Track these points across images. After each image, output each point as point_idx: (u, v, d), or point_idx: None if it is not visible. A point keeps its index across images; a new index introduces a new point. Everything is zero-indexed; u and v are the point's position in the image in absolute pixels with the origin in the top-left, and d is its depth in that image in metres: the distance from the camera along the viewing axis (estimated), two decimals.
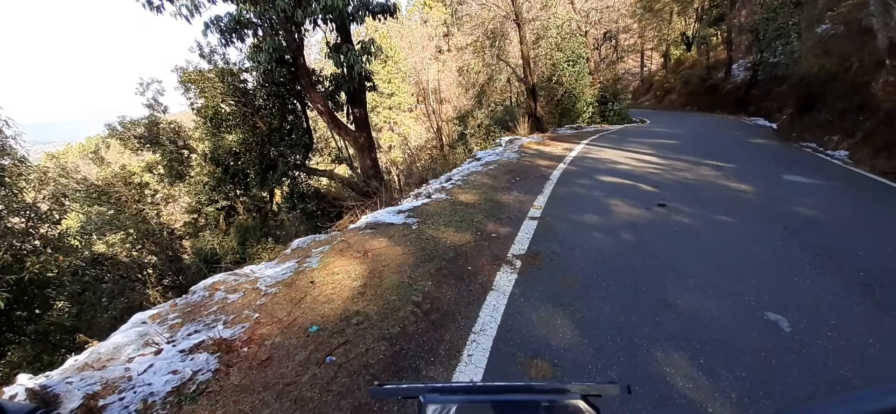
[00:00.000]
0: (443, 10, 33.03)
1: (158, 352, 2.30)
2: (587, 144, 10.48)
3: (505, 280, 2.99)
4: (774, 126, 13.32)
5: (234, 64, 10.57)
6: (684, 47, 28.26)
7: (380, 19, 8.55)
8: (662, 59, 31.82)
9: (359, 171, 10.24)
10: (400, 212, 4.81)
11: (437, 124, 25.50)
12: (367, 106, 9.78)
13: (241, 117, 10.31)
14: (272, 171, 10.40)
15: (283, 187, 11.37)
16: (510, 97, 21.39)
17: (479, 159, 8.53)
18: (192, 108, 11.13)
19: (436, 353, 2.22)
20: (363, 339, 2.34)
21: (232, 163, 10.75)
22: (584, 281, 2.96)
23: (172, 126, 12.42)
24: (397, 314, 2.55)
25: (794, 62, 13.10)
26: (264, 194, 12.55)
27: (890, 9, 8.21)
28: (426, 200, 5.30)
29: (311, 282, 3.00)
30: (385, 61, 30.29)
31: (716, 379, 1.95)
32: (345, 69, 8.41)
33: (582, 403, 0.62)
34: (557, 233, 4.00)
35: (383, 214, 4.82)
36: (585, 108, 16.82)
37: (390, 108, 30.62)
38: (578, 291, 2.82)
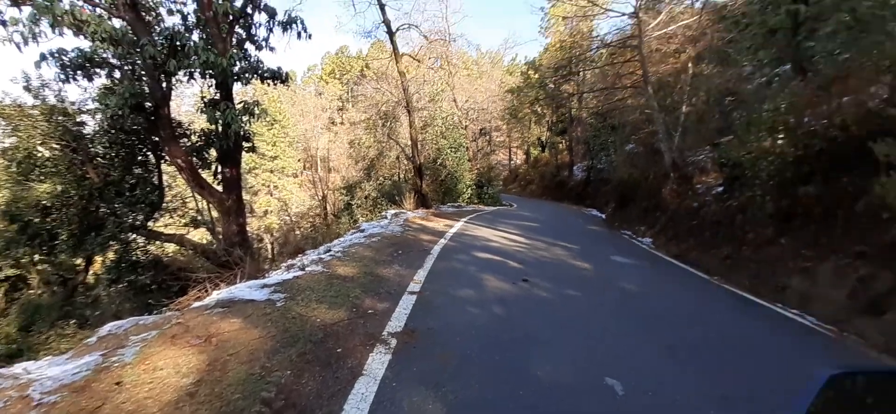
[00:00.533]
0: (339, 86, 33.74)
1: None
2: (466, 222, 11.29)
3: (377, 362, 2.79)
4: (604, 216, 16.66)
5: (73, 103, 8.61)
6: (540, 149, 34.29)
7: (268, 84, 8.22)
8: (525, 156, 37.80)
9: (221, 237, 8.90)
10: (264, 286, 4.24)
11: (323, 192, 24.57)
12: (241, 166, 8.89)
13: (65, 164, 8.20)
14: (96, 232, 8.27)
15: (107, 254, 9.06)
16: (398, 173, 22.20)
17: (363, 231, 8.35)
18: None
19: None
20: None
21: (37, 219, 8.24)
22: (459, 357, 2.96)
23: None
24: None
25: (613, 169, 17.03)
26: (77, 262, 9.74)
27: (672, 136, 11.54)
28: (299, 273, 4.82)
29: (118, 383, 2.29)
30: (271, 124, 28.72)
31: None
32: (220, 126, 7.63)
33: None
34: (435, 308, 4.02)
35: (242, 290, 4.17)
36: (465, 190, 18.45)
37: (272, 171, 28.49)
38: (453, 369, 2.80)
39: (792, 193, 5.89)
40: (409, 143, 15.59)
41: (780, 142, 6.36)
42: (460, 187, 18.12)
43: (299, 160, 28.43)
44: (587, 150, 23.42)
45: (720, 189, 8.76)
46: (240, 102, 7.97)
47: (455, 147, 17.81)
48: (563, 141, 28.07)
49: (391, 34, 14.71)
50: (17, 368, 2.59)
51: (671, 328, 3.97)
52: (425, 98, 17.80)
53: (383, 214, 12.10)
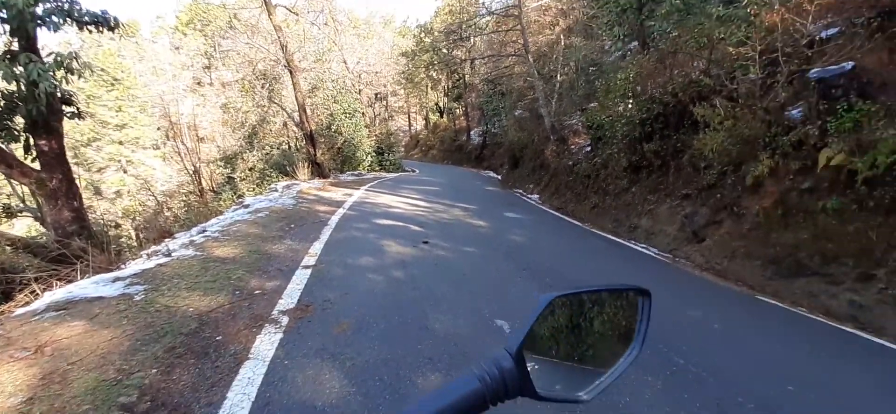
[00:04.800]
0: (201, 39, 28.48)
1: None
2: (366, 190, 11.01)
3: (266, 343, 2.60)
4: (499, 177, 17.96)
5: None
6: (439, 114, 34.78)
7: (92, 31, 6.51)
8: (425, 122, 37.98)
9: (51, 226, 7.07)
10: (117, 280, 3.54)
11: (195, 166, 21.20)
12: (64, 137, 7.04)
13: None
14: None
15: None
16: (288, 142, 20.37)
17: (247, 206, 7.50)
18: None
19: None
20: None
21: None
22: (357, 324, 2.93)
23: None
24: None
25: (505, 133, 18.26)
26: None
27: (550, 102, 12.75)
28: (164, 260, 4.14)
29: None
30: (111, 84, 23.26)
31: None
32: (23, 85, 5.80)
33: None
34: (332, 279, 3.88)
35: (86, 287, 3.42)
36: (365, 157, 17.88)
37: (121, 143, 23.39)
38: (350, 336, 2.76)
39: (639, 149, 7.13)
40: (297, 107, 14.25)
41: (630, 106, 7.55)
42: (359, 155, 17.47)
43: (159, 129, 23.77)
44: (482, 115, 24.53)
45: (588, 149, 10.12)
46: (50, 53, 6.14)
47: (350, 113, 16.93)
48: (460, 106, 28.89)
49: None
50: None
51: (552, 269, 4.55)
52: (310, 57, 16.30)
53: (272, 186, 11.05)
